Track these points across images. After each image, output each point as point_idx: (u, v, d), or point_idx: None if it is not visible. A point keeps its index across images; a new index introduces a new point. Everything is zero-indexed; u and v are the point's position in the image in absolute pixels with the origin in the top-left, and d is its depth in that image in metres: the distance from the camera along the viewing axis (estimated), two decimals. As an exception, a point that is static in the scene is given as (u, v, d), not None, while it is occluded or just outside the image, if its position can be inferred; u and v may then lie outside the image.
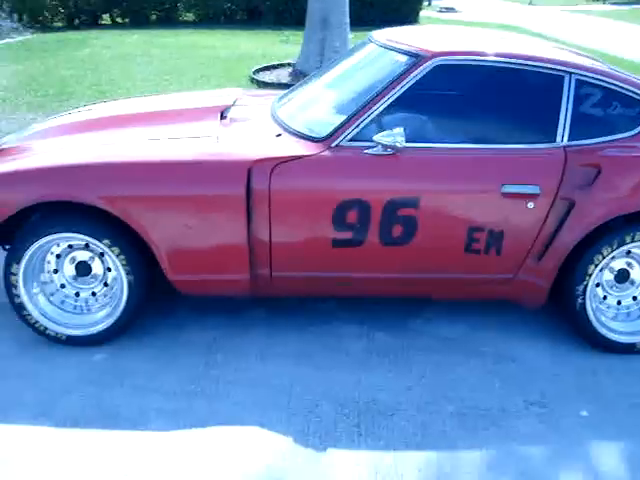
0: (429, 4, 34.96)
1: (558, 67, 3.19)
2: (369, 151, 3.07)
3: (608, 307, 3.36)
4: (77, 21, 18.01)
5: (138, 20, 17.94)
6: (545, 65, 3.19)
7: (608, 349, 3.32)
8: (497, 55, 3.21)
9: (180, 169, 3.06)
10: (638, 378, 3.15)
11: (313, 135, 3.18)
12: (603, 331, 3.30)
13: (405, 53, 3.25)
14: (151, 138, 3.35)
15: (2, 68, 10.56)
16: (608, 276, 3.32)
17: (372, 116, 3.10)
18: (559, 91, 3.17)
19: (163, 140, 3.31)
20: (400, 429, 2.75)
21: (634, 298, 3.37)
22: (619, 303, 3.37)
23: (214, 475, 2.47)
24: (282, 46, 13.41)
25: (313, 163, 3.08)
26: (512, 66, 3.20)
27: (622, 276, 3.32)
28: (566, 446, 2.68)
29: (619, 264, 3.30)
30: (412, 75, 3.12)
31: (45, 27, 16.96)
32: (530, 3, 38.59)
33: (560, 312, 3.44)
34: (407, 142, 3.04)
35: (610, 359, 3.27)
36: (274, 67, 10.20)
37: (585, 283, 3.18)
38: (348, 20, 9.72)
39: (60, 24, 17.92)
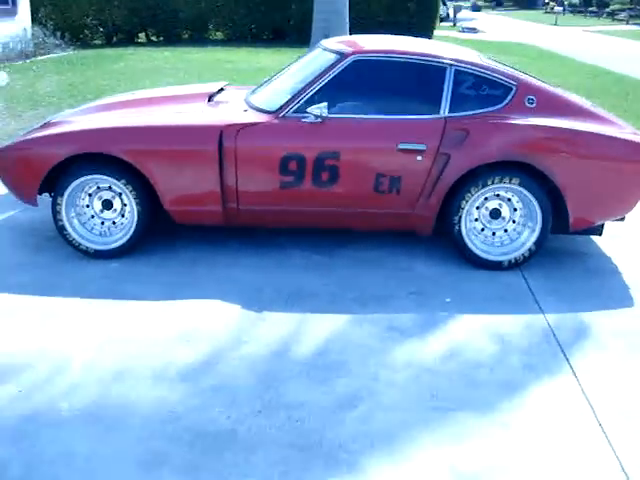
0: (454, 25, 36.37)
1: (443, 61, 4.52)
2: (305, 120, 4.42)
3: (485, 236, 4.62)
4: (115, 39, 19.72)
5: (171, 38, 19.60)
6: (433, 60, 4.53)
7: (481, 265, 4.58)
8: (399, 53, 4.56)
9: (174, 131, 4.45)
10: (496, 282, 4.41)
11: (267, 109, 4.55)
12: (478, 252, 4.57)
13: (334, 52, 4.61)
14: (158, 112, 4.75)
15: (47, 78, 12.12)
16: (485, 213, 4.58)
17: (308, 96, 4.46)
18: (442, 78, 4.49)
19: (165, 113, 4.71)
20: (316, 304, 4.05)
21: (505, 230, 4.62)
22: (494, 234, 4.63)
23: (187, 330, 3.79)
24: (297, 61, 14.80)
25: (266, 128, 4.44)
26: (410, 61, 4.54)
27: (495, 214, 4.58)
28: (431, 317, 3.94)
29: (492, 204, 4.56)
30: (337, 67, 4.48)
31: (85, 44, 18.67)
32: (555, 24, 39.73)
33: (447, 238, 4.70)
34: (331, 113, 4.37)
35: (480, 271, 4.54)
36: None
37: (459, 214, 4.47)
38: (348, 35, 11.09)
39: (99, 42, 19.63)
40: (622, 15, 44.45)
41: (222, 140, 4.37)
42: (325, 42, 5.05)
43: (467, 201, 4.44)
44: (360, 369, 3.39)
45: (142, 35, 20.45)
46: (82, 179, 4.48)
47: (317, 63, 4.73)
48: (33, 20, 16.58)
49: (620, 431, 2.98)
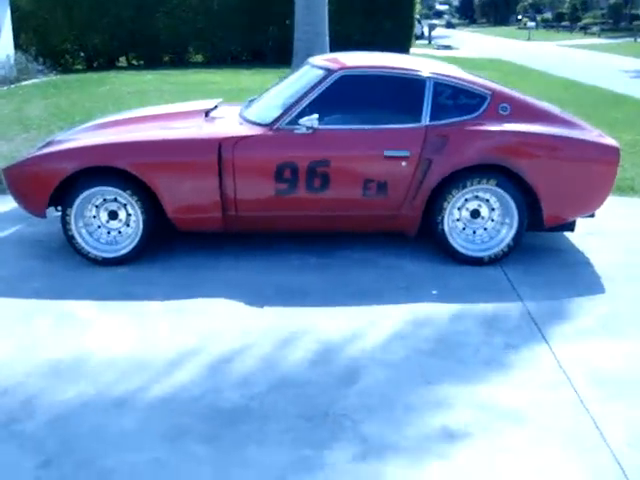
0: (429, 42, 37.13)
1: (422, 74, 4.92)
2: (297, 131, 4.78)
3: (467, 235, 4.99)
4: (96, 63, 20.05)
5: (152, 62, 19.96)
6: (413, 74, 4.93)
7: (464, 261, 4.95)
8: (382, 67, 4.96)
9: (176, 145, 4.79)
10: (479, 276, 4.77)
11: (262, 122, 4.91)
12: (460, 249, 4.93)
13: (321, 68, 5.00)
14: (159, 127, 5.10)
15: (35, 102, 12.37)
16: (465, 214, 4.96)
17: (299, 109, 4.83)
18: (423, 90, 4.88)
19: (166, 128, 5.05)
20: (312, 299, 4.39)
21: (485, 229, 5.00)
22: (474, 232, 5.00)
23: (197, 324, 4.11)
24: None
25: (261, 139, 4.80)
26: (392, 75, 4.93)
27: (475, 214, 4.96)
28: (419, 307, 4.28)
29: (472, 205, 4.94)
30: (325, 82, 4.86)
31: (67, 69, 18.95)
32: (528, 39, 40.64)
33: (432, 238, 5.06)
34: (321, 125, 4.74)
35: (463, 267, 4.90)
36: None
37: (442, 215, 4.84)
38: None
39: (80, 66, 19.94)
40: (594, 29, 45.48)
41: (221, 152, 4.72)
42: (312, 59, 5.44)
43: (449, 202, 4.81)
44: (357, 352, 3.73)
45: (123, 59, 20.81)
46: (90, 191, 4.80)
47: (306, 79, 5.10)
48: (15, 46, 16.83)
49: (594, 396, 3.34)
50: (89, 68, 19.86)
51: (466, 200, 4.89)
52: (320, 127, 4.75)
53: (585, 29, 47.19)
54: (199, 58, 21.55)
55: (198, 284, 4.62)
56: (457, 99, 4.92)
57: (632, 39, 37.41)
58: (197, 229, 5.04)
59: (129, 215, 4.91)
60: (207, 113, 5.43)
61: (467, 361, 3.68)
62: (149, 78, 16.19)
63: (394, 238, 5.34)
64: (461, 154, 4.76)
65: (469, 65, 19.82)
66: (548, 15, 61.94)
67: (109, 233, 4.98)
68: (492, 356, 3.73)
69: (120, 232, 4.97)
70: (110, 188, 4.79)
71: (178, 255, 5.10)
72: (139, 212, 4.84)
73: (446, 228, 4.88)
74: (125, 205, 4.88)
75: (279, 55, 19.36)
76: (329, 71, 4.92)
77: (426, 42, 36.75)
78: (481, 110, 4.91)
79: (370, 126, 4.85)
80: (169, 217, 4.87)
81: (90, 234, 4.94)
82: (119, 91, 13.80)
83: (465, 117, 4.90)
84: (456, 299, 4.41)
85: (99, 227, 4.97)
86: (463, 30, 59.17)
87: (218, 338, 3.87)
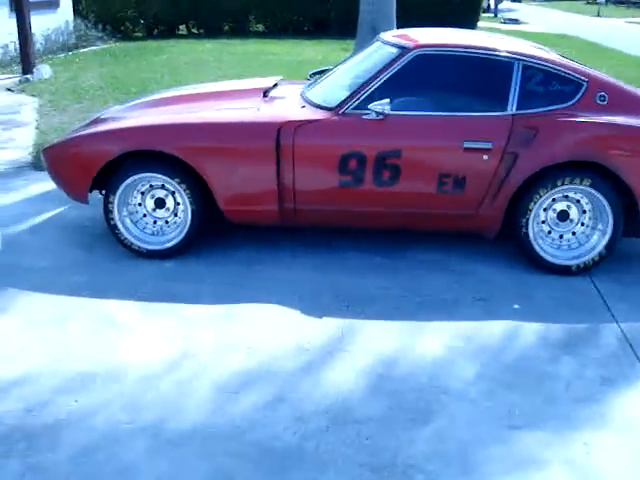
0: (495, 15, 35.85)
1: (509, 55, 4.31)
2: (366, 117, 4.24)
3: (552, 240, 4.41)
4: (156, 31, 19.69)
5: (212, 31, 19.50)
6: (499, 54, 4.32)
7: (549, 269, 4.37)
8: (464, 47, 4.36)
9: (230, 128, 4.30)
10: (567, 288, 4.20)
11: (326, 105, 4.37)
12: (545, 256, 4.35)
13: (395, 46, 4.42)
14: (211, 108, 4.61)
15: (91, 71, 12.08)
16: (552, 215, 4.37)
17: (368, 92, 4.28)
18: (510, 73, 4.28)
19: (220, 109, 4.57)
20: (378, 309, 3.88)
21: (573, 233, 4.41)
22: (561, 237, 4.42)
23: (246, 336, 3.65)
24: (341, 53, 14.59)
25: (325, 125, 4.27)
26: (475, 55, 4.33)
27: (563, 216, 4.37)
28: (500, 325, 3.75)
29: (560, 206, 4.35)
30: (399, 62, 4.29)
31: (126, 36, 18.65)
32: (598, 15, 39.01)
33: (513, 243, 4.50)
34: (393, 110, 4.19)
35: (548, 276, 4.33)
36: (329, 70, 11.36)
37: (527, 217, 4.26)
38: (395, 28, 10.84)
39: (140, 34, 19.62)
40: (668, 6, 43.48)
41: (279, 138, 4.22)
42: (384, 35, 4.87)
43: (536, 202, 4.23)
44: (429, 381, 3.22)
45: (183, 27, 20.40)
46: (135, 177, 4.36)
47: (377, 58, 4.55)
48: (74, 12, 16.59)
49: None
50: (149, 36, 19.51)
51: (553, 200, 4.30)
52: (392, 113, 4.20)
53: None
54: (260, 28, 20.99)
55: (250, 284, 4.16)
56: (549, 85, 4.31)
57: None
58: (251, 222, 4.57)
59: (177, 204, 4.46)
60: (265, 93, 4.92)
61: (557, 399, 3.13)
62: (208, 47, 15.76)
63: (466, 238, 4.78)
64: (552, 149, 4.17)
65: (537, 40, 18.80)
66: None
67: (155, 223, 4.54)
68: (587, 393, 3.18)
69: (167, 222, 4.53)
70: (157, 175, 4.34)
71: (229, 249, 4.65)
72: (187, 202, 4.39)
73: (530, 232, 4.30)
74: (173, 193, 4.44)
75: (342, 26, 18.71)
76: (403, 49, 4.35)
77: (492, 15, 35.49)
78: (576, 99, 4.30)
79: (448, 113, 4.29)
80: (220, 208, 4.40)
81: (135, 223, 4.52)
82: (177, 60, 13.41)
83: (557, 106, 4.29)
84: (541, 316, 3.86)
85: (144, 216, 4.54)
86: (530, 4, 57.13)
87: (269, 356, 3.40)
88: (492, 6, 38.18)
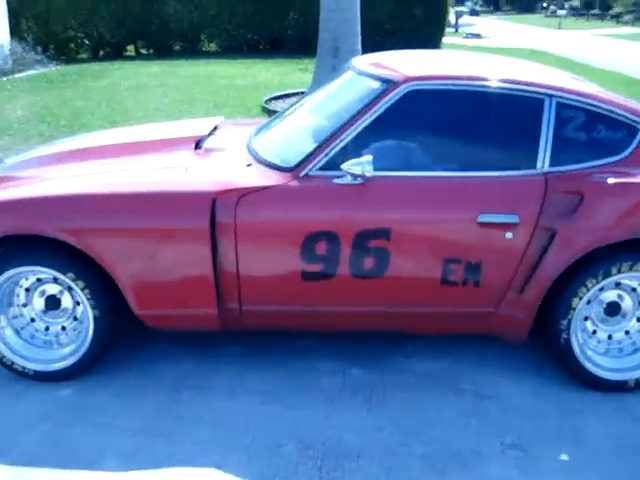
0: (456, 30, 35.11)
1: (537, 89, 3.07)
2: (338, 180, 2.97)
3: (598, 342, 3.18)
4: (102, 52, 18.29)
5: (162, 51, 18.16)
6: (523, 88, 3.07)
7: (597, 387, 3.13)
8: (473, 79, 3.10)
9: (142, 200, 2.99)
10: (626, 417, 2.96)
11: (282, 164, 3.09)
12: (592, 368, 3.12)
13: (376, 78, 3.15)
14: (120, 169, 3.30)
15: (21, 99, 10.71)
16: (597, 309, 3.14)
17: (342, 144, 3.01)
18: (539, 114, 3.04)
19: (130, 171, 3.25)
20: (364, 473, 2.60)
21: (626, 332, 3.18)
22: (610, 337, 3.18)
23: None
24: (300, 75, 13.40)
25: (280, 193, 2.98)
26: (489, 90, 3.09)
27: (613, 309, 3.14)
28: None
29: (609, 296, 3.13)
30: (384, 101, 3.02)
31: (71, 58, 17.22)
32: (559, 28, 38.56)
33: (545, 347, 3.26)
34: (378, 170, 2.93)
35: (597, 397, 3.09)
36: (287, 96, 10.16)
37: (569, 317, 3.01)
38: (359, 47, 9.65)
39: (85, 55, 18.20)
40: (626, 17, 43.24)
41: (215, 213, 2.93)
42: (357, 63, 3.59)
43: (581, 298, 2.99)
44: None
45: (131, 48, 18.98)
46: (10, 272, 3.03)
47: (352, 94, 3.29)
48: (12, 34, 15.17)
49: None
50: (94, 58, 18.07)
51: (601, 289, 3.06)
52: (375, 174, 2.93)
53: (617, 17, 44.86)
54: (213, 47, 19.65)
55: (176, 427, 2.85)
56: (594, 131, 3.09)
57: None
58: (181, 329, 3.27)
59: (77, 304, 3.14)
60: (199, 143, 3.60)
61: None
62: (154, 70, 14.40)
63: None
64: (605, 222, 2.93)
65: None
66: (576, 3, 59.40)
67: (47, 329, 3.21)
68: None
69: (64, 328, 3.21)
70: (40, 268, 3.01)
71: (158, 359, 3.33)
72: (87, 305, 3.06)
73: (573, 339, 3.05)
74: (70, 288, 3.11)
75: (299, 44, 17.54)
76: (388, 82, 3.08)
77: (453, 30, 34.66)
78: (630, 150, 3.08)
79: (454, 173, 3.04)
80: (135, 314, 3.08)
81: (18, 332, 3.18)
82: (118, 86, 12.06)
83: (605, 160, 3.06)
84: (600, 473, 2.61)
85: (32, 320, 3.20)
86: (488, 17, 56.61)
87: None
88: (452, 21, 37.42)
